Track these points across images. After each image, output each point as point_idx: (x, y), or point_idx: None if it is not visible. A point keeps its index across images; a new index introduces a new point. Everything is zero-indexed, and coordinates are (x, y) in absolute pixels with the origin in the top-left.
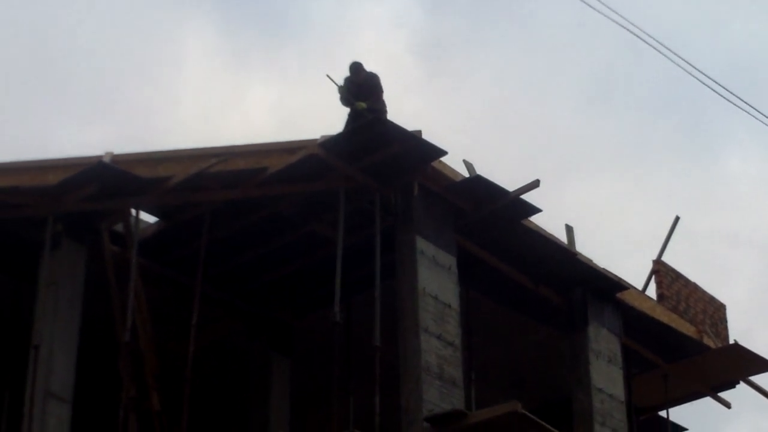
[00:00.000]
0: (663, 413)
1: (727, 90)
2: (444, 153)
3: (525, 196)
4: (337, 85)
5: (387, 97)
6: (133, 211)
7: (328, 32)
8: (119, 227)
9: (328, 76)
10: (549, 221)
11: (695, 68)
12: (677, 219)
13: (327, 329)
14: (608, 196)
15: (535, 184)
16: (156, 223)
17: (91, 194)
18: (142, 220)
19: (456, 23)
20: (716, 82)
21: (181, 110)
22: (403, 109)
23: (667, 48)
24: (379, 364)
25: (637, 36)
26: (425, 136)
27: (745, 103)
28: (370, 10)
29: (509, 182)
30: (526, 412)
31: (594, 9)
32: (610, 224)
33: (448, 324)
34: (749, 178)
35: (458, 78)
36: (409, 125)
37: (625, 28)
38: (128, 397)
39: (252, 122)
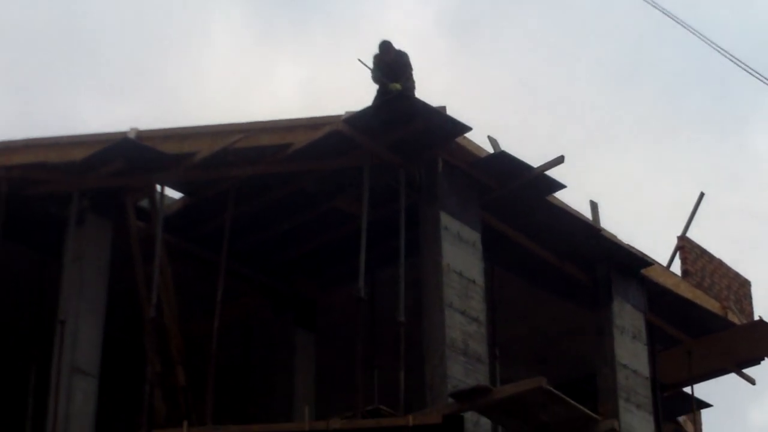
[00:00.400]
0: (687, 389)
1: (750, 70)
2: (468, 129)
3: (549, 172)
4: (369, 68)
5: (415, 73)
6: (158, 187)
7: (356, 9)
8: (144, 203)
9: (360, 60)
10: (575, 196)
11: (719, 49)
12: (702, 195)
13: (351, 305)
14: (634, 171)
15: (559, 160)
16: (181, 198)
17: (116, 170)
18: (167, 196)
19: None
20: (737, 62)
21: (209, 87)
22: (430, 85)
23: (691, 29)
24: (403, 339)
25: (665, 13)
26: (450, 112)
27: None
28: None
29: (536, 157)
30: (551, 388)
31: None
32: (636, 200)
33: (472, 300)
34: None
35: (486, 54)
36: (436, 101)
37: (653, 5)
38: (153, 372)
39: (280, 99)
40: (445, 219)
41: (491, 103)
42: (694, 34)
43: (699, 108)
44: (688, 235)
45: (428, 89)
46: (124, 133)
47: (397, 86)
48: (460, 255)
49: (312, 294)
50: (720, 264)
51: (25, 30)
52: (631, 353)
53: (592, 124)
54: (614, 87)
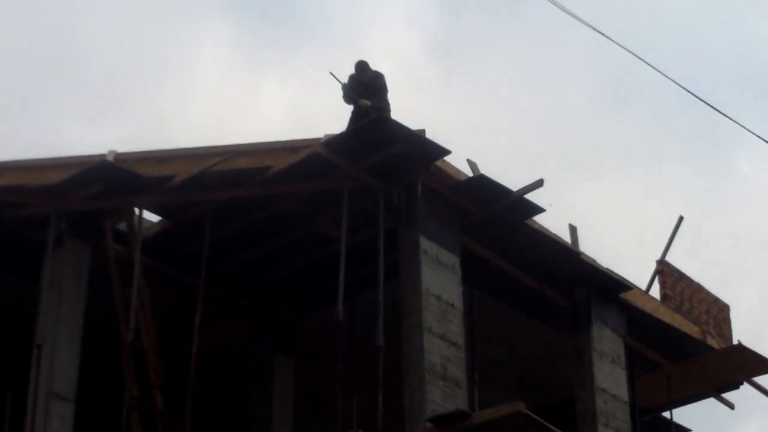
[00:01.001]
0: (666, 414)
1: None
2: (447, 152)
3: (529, 196)
4: (340, 82)
5: (401, 96)
6: (137, 210)
7: (342, 33)
8: (122, 226)
9: (331, 73)
10: (558, 221)
11: (684, 94)
12: (681, 219)
13: (330, 329)
14: (618, 196)
15: (538, 184)
16: (159, 222)
17: (94, 193)
18: (145, 219)
19: (469, 24)
20: (716, 109)
21: (195, 110)
22: (416, 108)
23: (658, 71)
24: (382, 363)
25: (637, 56)
26: (434, 135)
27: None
28: (384, 10)
29: (521, 182)
30: (530, 413)
31: (599, 31)
32: (619, 224)
33: (451, 324)
34: (760, 181)
35: (471, 78)
36: (422, 124)
37: (626, 49)
38: (131, 396)
39: (265, 123)
40: (424, 243)
41: (476, 127)
42: (666, 76)
43: (685, 132)
44: (667, 258)
45: (414, 112)
46: (101, 156)
47: (367, 102)
48: (439, 279)
49: (291, 318)
50: (699, 288)
51: (10, 53)
52: (610, 377)
53: (578, 147)
54: (600, 110)
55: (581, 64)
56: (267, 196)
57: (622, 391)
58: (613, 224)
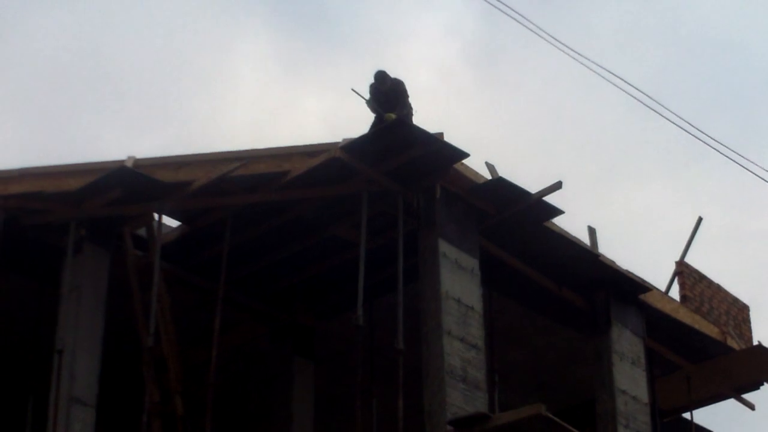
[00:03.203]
0: (687, 415)
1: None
2: (466, 155)
3: (549, 198)
4: (363, 98)
5: (438, 103)
6: (156, 216)
7: (380, 41)
8: (142, 232)
9: (353, 90)
10: (597, 225)
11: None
12: (700, 220)
13: (350, 333)
14: (655, 200)
15: (557, 186)
16: (178, 227)
17: (113, 199)
18: (164, 225)
19: (508, 32)
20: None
21: (234, 119)
22: (453, 115)
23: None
24: (402, 367)
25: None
26: (462, 140)
27: None
28: (422, 19)
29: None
30: (550, 415)
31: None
32: (660, 228)
33: (471, 327)
34: None
35: (509, 86)
36: (459, 131)
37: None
38: (152, 401)
39: (303, 132)
40: (444, 246)
41: (513, 134)
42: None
43: (723, 134)
44: (687, 259)
45: (451, 119)
46: (121, 162)
47: (392, 116)
48: (458, 282)
49: (310, 322)
50: (719, 289)
51: (53, 63)
52: (630, 379)
53: (614, 153)
54: (637, 116)
55: (620, 69)
56: (286, 200)
57: (642, 392)
58: (655, 228)
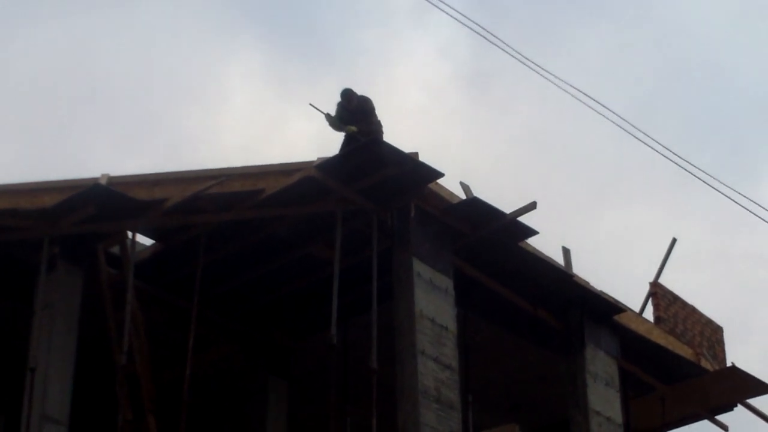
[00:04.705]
0: None
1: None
2: (441, 175)
3: (525, 218)
4: (322, 112)
5: (429, 123)
6: (130, 234)
7: (373, 62)
8: (116, 249)
9: (311, 105)
10: (579, 247)
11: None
12: (674, 241)
13: (324, 351)
14: (643, 222)
15: (531, 207)
16: (152, 245)
17: (87, 216)
18: (138, 243)
19: (499, 56)
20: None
21: (224, 139)
22: (444, 136)
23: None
24: (376, 386)
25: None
26: (434, 157)
27: None
28: (415, 41)
29: (545, 207)
30: None
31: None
32: (638, 249)
33: (445, 346)
34: None
35: (499, 109)
36: (449, 152)
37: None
38: (125, 420)
39: (293, 152)
40: (418, 265)
41: (504, 154)
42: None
43: (713, 156)
44: (661, 280)
45: (441, 140)
46: (95, 179)
47: (352, 128)
48: (432, 301)
49: (284, 340)
50: (693, 310)
51: (43, 80)
52: (604, 400)
53: (597, 176)
54: (628, 137)
55: (608, 94)
56: (260, 219)
57: (616, 413)
58: (642, 249)
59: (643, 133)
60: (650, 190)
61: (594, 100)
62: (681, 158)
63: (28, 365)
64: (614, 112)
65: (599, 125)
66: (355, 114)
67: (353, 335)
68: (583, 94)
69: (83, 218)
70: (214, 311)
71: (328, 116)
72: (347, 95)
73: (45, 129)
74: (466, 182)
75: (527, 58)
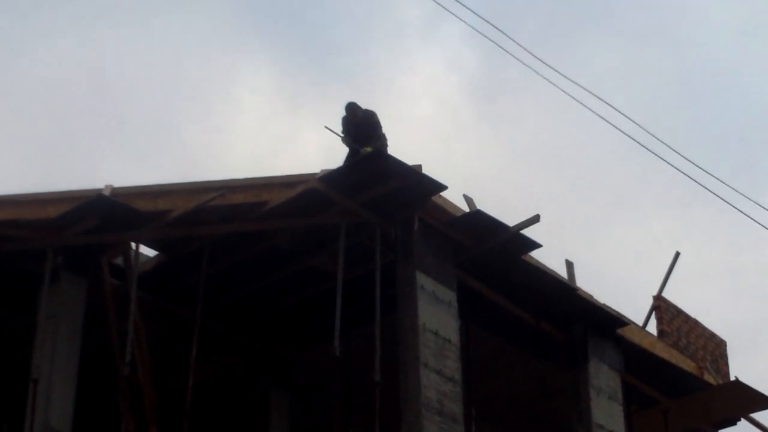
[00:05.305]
0: None
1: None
2: (444, 188)
3: (527, 231)
4: (338, 135)
5: (437, 137)
6: (133, 245)
7: (382, 75)
8: (119, 260)
9: (327, 127)
10: (586, 261)
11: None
12: (677, 255)
13: (327, 363)
14: (652, 235)
15: (535, 219)
16: (156, 256)
17: (91, 227)
18: (141, 254)
19: (508, 68)
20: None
21: (235, 151)
22: (452, 149)
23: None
24: (378, 398)
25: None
26: (442, 169)
27: None
28: (424, 54)
29: (551, 222)
30: None
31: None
32: (653, 262)
33: (448, 359)
34: None
35: (508, 121)
36: (457, 166)
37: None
38: (127, 430)
39: (303, 165)
40: (421, 278)
41: (511, 167)
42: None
43: (723, 172)
44: (664, 294)
45: (450, 152)
46: (98, 190)
47: (368, 149)
48: (435, 314)
49: (287, 352)
50: (696, 324)
51: (56, 91)
52: (607, 413)
53: (612, 192)
54: (636, 154)
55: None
56: (263, 230)
57: (619, 427)
58: (648, 263)
59: (662, 142)
60: (659, 203)
61: (613, 107)
62: (700, 168)
63: (31, 375)
64: (634, 121)
65: (608, 137)
66: (360, 128)
67: (356, 347)
68: (602, 101)
69: (87, 229)
70: (216, 322)
71: (343, 139)
72: (352, 109)
73: (55, 140)
74: (471, 195)
75: (543, 62)
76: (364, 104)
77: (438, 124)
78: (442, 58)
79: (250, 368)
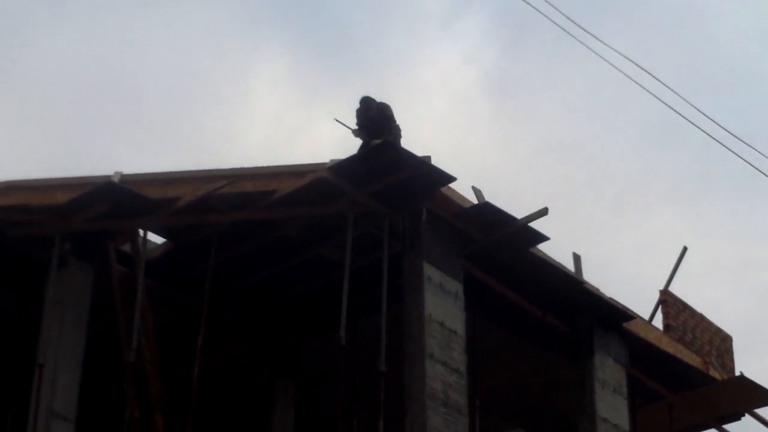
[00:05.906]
0: None
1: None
2: (453, 179)
3: (537, 224)
4: (349, 128)
5: (453, 130)
6: (141, 232)
7: (398, 68)
8: (127, 247)
9: (336, 119)
10: (602, 254)
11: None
12: (685, 249)
13: (333, 353)
14: (665, 231)
15: (543, 212)
16: (163, 243)
17: (99, 214)
18: (149, 241)
19: (526, 62)
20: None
21: (250, 140)
22: (469, 142)
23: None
24: (383, 389)
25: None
26: (439, 161)
27: None
28: (441, 47)
29: (563, 216)
30: None
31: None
32: (663, 257)
33: (453, 351)
34: None
35: (524, 116)
36: (471, 159)
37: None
38: (132, 418)
39: (318, 155)
40: (428, 269)
41: (526, 160)
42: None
43: (737, 167)
44: (670, 289)
45: (466, 146)
46: (107, 177)
47: (378, 142)
48: (442, 305)
49: (293, 341)
50: (702, 319)
51: (71, 80)
52: (611, 407)
53: (627, 184)
54: (653, 147)
55: (633, 104)
56: (272, 219)
57: (624, 420)
58: (665, 258)
59: (700, 112)
60: (667, 197)
61: (653, 76)
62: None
63: (37, 361)
64: (673, 90)
65: (625, 131)
66: (375, 121)
67: (362, 337)
68: (641, 69)
69: (95, 215)
70: (223, 310)
71: (354, 131)
72: (366, 103)
73: (69, 126)
74: (483, 188)
75: (582, 28)
76: (379, 96)
77: (454, 117)
78: (461, 51)
79: (256, 357)
